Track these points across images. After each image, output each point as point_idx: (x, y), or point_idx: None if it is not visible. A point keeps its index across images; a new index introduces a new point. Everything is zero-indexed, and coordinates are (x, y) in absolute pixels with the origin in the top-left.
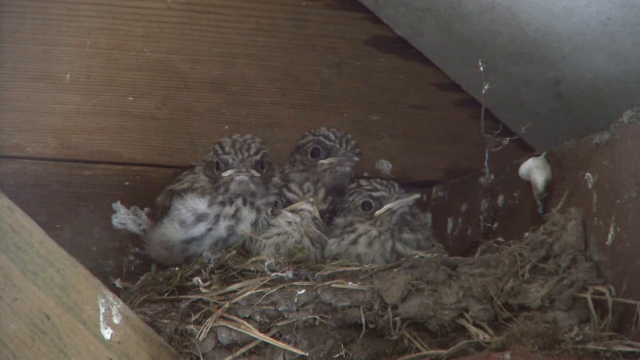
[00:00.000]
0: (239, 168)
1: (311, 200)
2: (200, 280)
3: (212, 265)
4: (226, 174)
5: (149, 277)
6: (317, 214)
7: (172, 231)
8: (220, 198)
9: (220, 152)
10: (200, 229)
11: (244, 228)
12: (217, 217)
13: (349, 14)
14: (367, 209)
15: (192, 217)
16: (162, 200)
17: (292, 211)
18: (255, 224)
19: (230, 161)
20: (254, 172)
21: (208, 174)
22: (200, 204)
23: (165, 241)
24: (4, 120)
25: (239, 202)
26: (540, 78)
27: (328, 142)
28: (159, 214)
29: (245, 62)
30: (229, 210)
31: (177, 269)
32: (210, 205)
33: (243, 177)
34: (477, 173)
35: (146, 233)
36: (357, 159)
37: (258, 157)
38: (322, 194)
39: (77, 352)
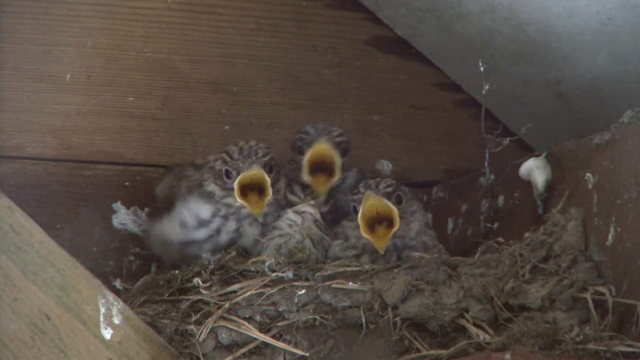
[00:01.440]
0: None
1: (312, 202)
2: (200, 281)
3: (212, 266)
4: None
5: (149, 279)
6: (318, 216)
7: (171, 231)
8: (224, 211)
9: (229, 159)
10: (201, 233)
11: (246, 241)
12: (219, 230)
13: (349, 14)
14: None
15: (194, 222)
16: (165, 189)
17: (295, 212)
18: (258, 238)
19: (240, 165)
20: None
21: (219, 183)
22: (203, 211)
23: (164, 239)
24: (4, 120)
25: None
26: (540, 78)
27: (307, 137)
28: (161, 205)
29: (245, 62)
30: (232, 225)
31: (176, 271)
32: (214, 216)
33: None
34: (477, 173)
35: (147, 227)
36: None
37: (266, 159)
38: (322, 198)
39: (77, 352)
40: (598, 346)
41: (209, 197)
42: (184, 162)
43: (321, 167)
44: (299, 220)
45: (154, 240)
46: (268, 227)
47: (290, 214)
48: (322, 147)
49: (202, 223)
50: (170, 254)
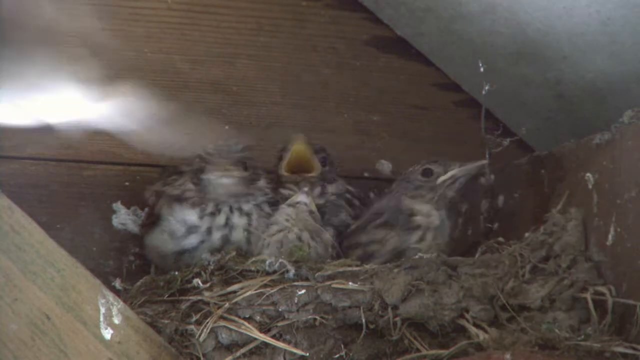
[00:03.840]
0: (223, 166)
1: (305, 189)
2: (200, 282)
3: (212, 267)
4: (212, 175)
5: (148, 280)
6: (313, 207)
7: (162, 242)
8: (210, 208)
9: (205, 156)
10: (192, 240)
11: (237, 235)
12: (209, 229)
13: (349, 14)
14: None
15: (183, 229)
16: (149, 198)
17: (289, 205)
18: (247, 229)
19: (215, 161)
20: (238, 173)
21: (195, 181)
22: (190, 215)
23: (158, 251)
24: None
25: (226, 209)
26: (540, 78)
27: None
28: (148, 218)
29: (245, 62)
30: (220, 219)
31: (176, 272)
32: (201, 217)
33: (225, 180)
34: (477, 173)
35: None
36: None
37: (239, 155)
38: (317, 190)
39: (77, 352)
40: (598, 346)
41: (193, 202)
42: (180, 162)
43: (300, 169)
44: (294, 213)
45: (150, 252)
46: (251, 219)
47: (285, 208)
48: (297, 149)
49: (191, 229)
50: (167, 264)
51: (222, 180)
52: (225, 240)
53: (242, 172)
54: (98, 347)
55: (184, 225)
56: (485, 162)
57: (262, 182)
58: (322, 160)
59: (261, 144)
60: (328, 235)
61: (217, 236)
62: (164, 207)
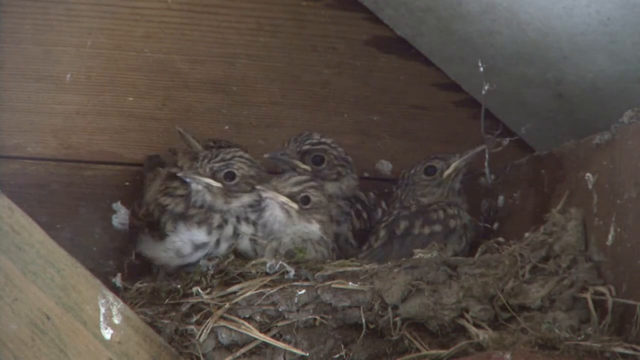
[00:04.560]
0: (189, 174)
1: (258, 187)
2: (199, 290)
3: (212, 272)
4: (185, 179)
5: (149, 289)
6: (282, 198)
7: (167, 259)
8: (217, 221)
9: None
10: (198, 255)
11: (244, 244)
12: (218, 242)
13: (349, 14)
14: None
15: (190, 248)
16: (151, 204)
17: (262, 205)
18: (252, 239)
19: (195, 165)
20: (210, 181)
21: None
22: (198, 235)
23: (160, 262)
24: (4, 120)
25: (233, 219)
26: (540, 78)
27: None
28: (147, 217)
29: (245, 62)
30: (228, 230)
31: (178, 285)
32: (209, 232)
33: (195, 186)
34: (477, 173)
35: (141, 241)
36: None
37: (217, 165)
38: (293, 179)
39: (77, 352)
40: (598, 346)
41: (199, 220)
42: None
43: None
44: (276, 221)
45: (151, 259)
46: (256, 228)
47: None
48: None
49: (198, 247)
50: (168, 271)
51: (192, 187)
52: (232, 248)
53: (211, 181)
54: (98, 347)
55: (191, 245)
56: (484, 146)
57: (246, 198)
58: (315, 160)
59: (261, 144)
60: (314, 227)
61: (225, 246)
62: (168, 224)
